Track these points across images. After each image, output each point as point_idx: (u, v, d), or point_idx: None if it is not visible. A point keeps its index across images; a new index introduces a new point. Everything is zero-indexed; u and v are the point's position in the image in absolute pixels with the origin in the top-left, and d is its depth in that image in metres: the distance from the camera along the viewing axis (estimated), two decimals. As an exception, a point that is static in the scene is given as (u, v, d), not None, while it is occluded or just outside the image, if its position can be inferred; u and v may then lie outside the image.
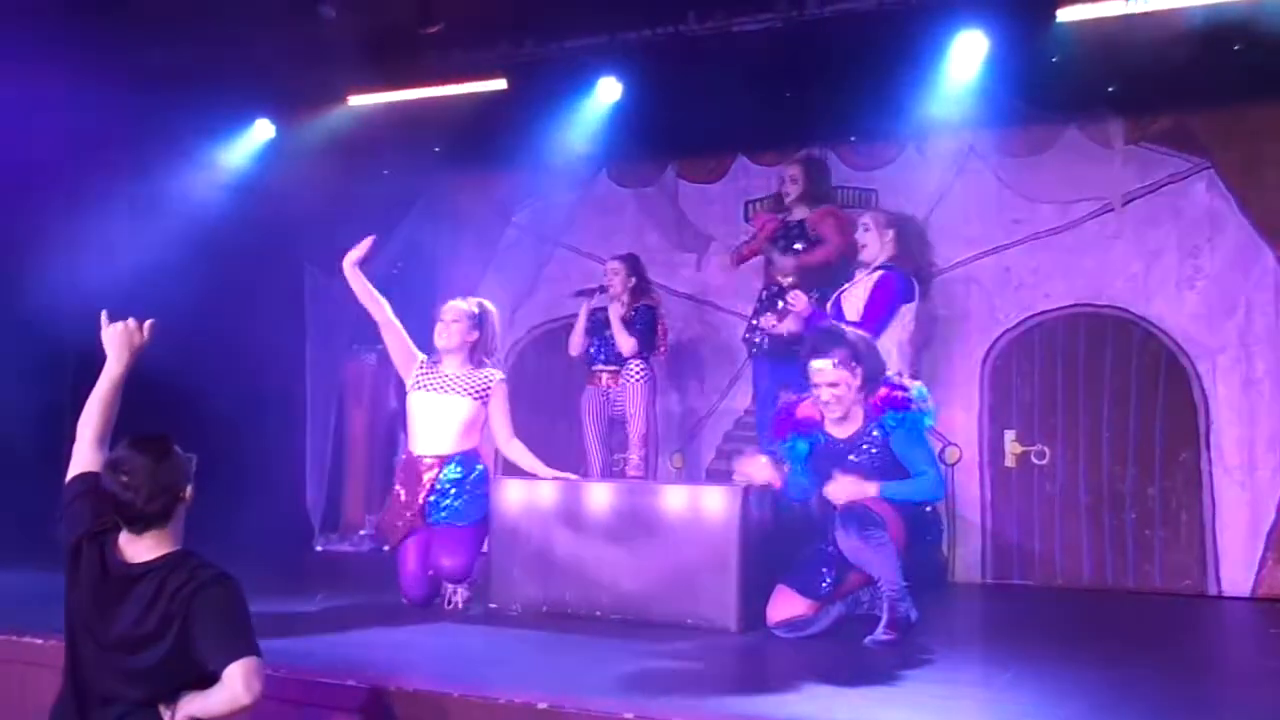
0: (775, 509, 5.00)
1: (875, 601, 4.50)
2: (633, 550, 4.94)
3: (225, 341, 6.88)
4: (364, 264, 5.26)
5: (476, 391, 5.25)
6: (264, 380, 7.47)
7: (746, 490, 4.86)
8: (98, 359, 3.14)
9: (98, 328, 3.16)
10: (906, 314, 5.75)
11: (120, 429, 2.99)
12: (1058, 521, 6.59)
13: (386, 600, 5.28)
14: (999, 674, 4.10)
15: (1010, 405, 6.76)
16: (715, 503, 4.86)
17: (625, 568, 4.93)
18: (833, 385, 4.54)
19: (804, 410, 4.73)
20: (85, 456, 2.99)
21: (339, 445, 8.31)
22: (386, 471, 7.60)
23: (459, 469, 5.21)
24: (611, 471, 6.53)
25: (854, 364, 4.54)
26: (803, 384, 4.75)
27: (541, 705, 3.29)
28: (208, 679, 2.66)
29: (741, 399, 7.28)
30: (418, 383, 5.29)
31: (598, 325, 6.53)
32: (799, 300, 5.91)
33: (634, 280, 6.49)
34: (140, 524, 2.74)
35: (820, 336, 4.76)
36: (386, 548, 5.47)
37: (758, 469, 4.79)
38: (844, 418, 4.60)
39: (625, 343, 6.39)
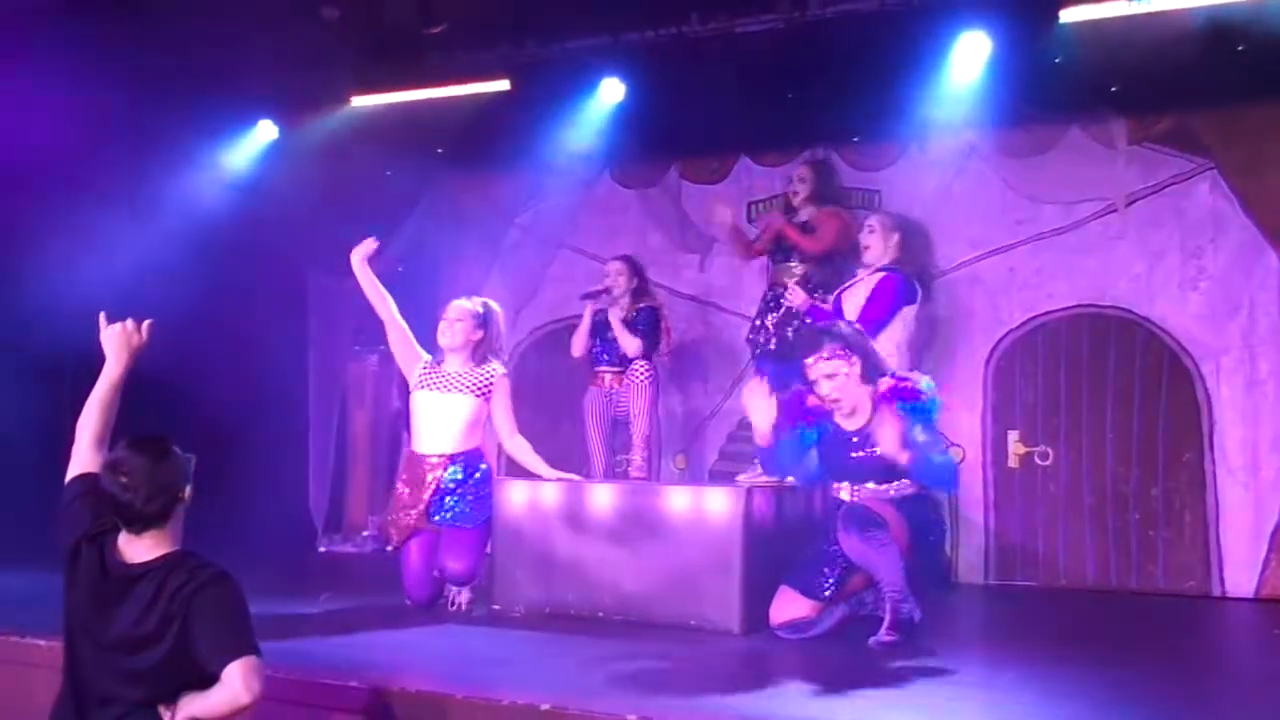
0: (778, 506, 5.00)
1: (878, 603, 4.48)
2: (636, 552, 4.93)
3: (229, 342, 6.90)
4: (369, 263, 5.26)
5: (479, 388, 5.23)
6: (267, 381, 7.46)
7: (749, 492, 4.86)
8: (97, 360, 3.13)
9: (97, 329, 3.16)
10: (908, 315, 5.76)
11: (121, 429, 2.98)
12: (1061, 522, 6.58)
13: (389, 601, 5.28)
14: (1001, 674, 4.09)
15: (1014, 406, 6.76)
16: (718, 504, 4.85)
17: (628, 569, 4.93)
18: (830, 376, 4.53)
19: (814, 400, 4.69)
20: (84, 457, 2.99)
21: (341, 446, 8.31)
22: (389, 472, 7.59)
23: (462, 469, 5.20)
24: (614, 473, 6.51)
25: (846, 352, 4.54)
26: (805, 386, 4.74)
27: (544, 707, 3.28)
28: (207, 679, 2.65)
29: (744, 400, 7.27)
30: (421, 382, 5.28)
31: (601, 326, 6.52)
32: (796, 295, 5.92)
33: (635, 281, 6.49)
34: (139, 524, 2.73)
35: (808, 335, 4.79)
36: (389, 547, 5.46)
37: (755, 393, 4.67)
38: (852, 412, 4.59)
39: (630, 344, 6.37)
